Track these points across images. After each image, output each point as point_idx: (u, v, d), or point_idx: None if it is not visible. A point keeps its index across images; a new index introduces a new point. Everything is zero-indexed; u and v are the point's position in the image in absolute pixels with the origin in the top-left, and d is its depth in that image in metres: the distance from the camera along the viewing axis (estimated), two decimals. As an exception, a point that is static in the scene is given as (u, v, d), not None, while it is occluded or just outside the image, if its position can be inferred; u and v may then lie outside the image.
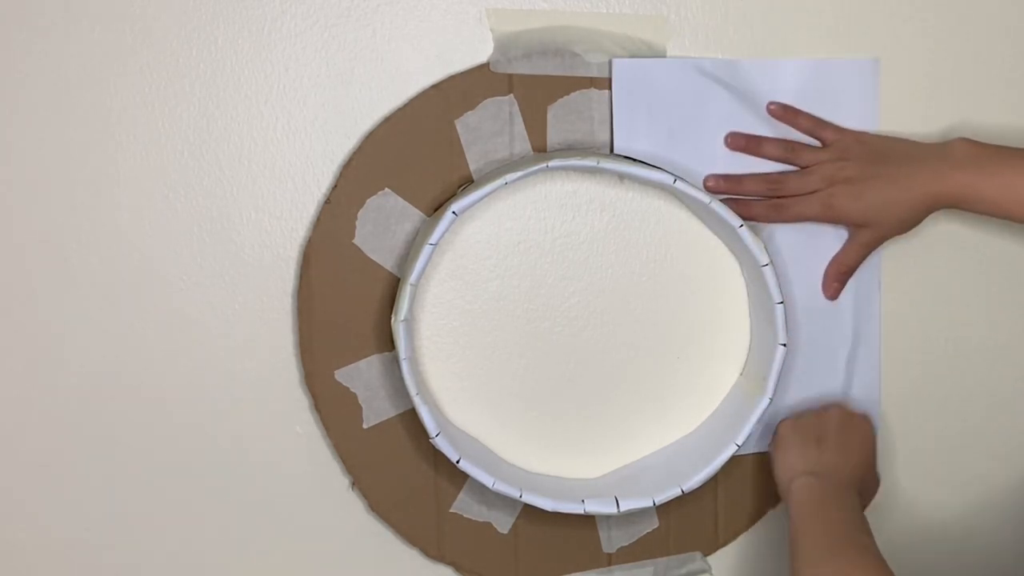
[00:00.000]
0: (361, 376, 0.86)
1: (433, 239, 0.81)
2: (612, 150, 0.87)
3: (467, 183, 0.85)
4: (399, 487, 0.88)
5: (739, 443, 0.87)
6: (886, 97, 0.91)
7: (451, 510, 0.89)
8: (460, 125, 0.85)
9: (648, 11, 0.87)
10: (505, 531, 0.90)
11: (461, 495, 0.89)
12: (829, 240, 0.91)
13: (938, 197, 0.85)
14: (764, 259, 0.85)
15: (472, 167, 0.86)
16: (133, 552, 0.86)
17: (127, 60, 0.82)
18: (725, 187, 0.88)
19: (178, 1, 0.82)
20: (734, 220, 0.85)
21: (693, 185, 0.85)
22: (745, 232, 0.85)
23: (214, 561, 0.88)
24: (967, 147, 0.85)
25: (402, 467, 0.87)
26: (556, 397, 0.91)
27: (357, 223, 0.85)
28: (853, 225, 0.89)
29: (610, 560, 0.92)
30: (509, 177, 0.82)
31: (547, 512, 0.86)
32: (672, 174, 0.84)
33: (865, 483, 0.88)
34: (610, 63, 0.86)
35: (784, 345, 0.86)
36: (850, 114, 0.90)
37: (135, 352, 0.84)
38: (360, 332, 0.86)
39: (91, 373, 0.84)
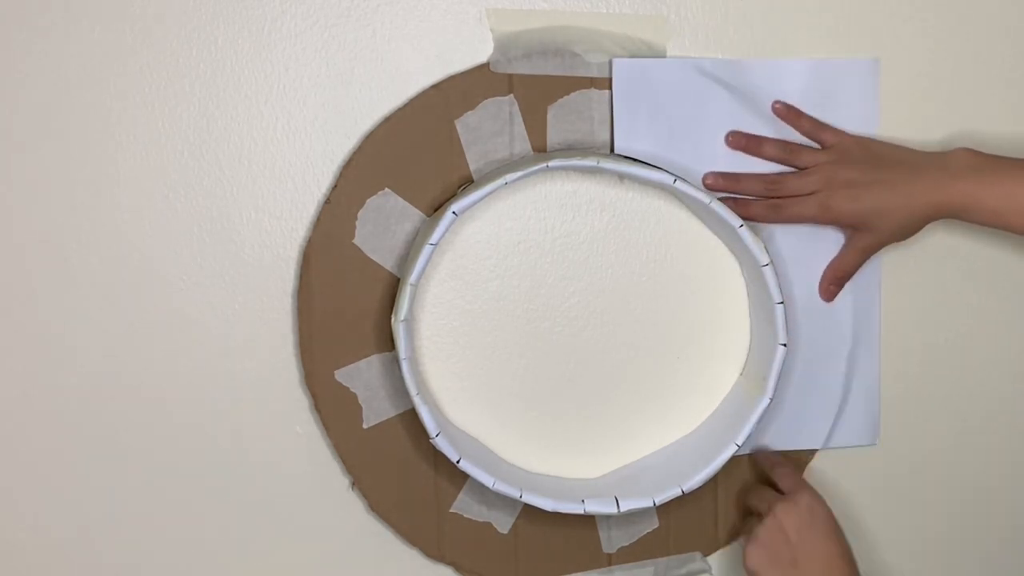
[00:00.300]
0: (361, 376, 0.86)
1: (433, 239, 0.81)
2: (612, 150, 0.87)
3: (467, 183, 0.85)
4: (399, 487, 0.88)
5: (739, 443, 0.87)
6: (885, 97, 0.91)
7: (451, 510, 0.89)
8: (460, 125, 0.85)
9: (648, 11, 0.87)
10: (505, 531, 0.90)
11: (461, 495, 0.89)
12: (829, 241, 0.91)
13: (938, 207, 0.84)
14: (764, 259, 0.85)
15: (472, 167, 0.86)
16: (133, 552, 0.86)
17: (127, 60, 0.82)
18: (724, 185, 0.88)
19: (178, 1, 0.82)
20: (734, 220, 0.85)
21: (693, 185, 0.85)
22: (745, 232, 0.85)
23: (214, 561, 0.88)
24: (968, 157, 0.85)
25: (402, 467, 0.87)
26: (556, 397, 0.91)
27: (357, 223, 0.85)
28: (850, 228, 0.89)
29: (610, 560, 0.92)
30: (509, 177, 0.82)
31: (547, 512, 0.85)
32: (672, 174, 0.84)
33: (845, 556, 0.87)
34: (610, 63, 0.86)
35: (784, 345, 0.86)
36: (850, 114, 0.90)
37: (135, 352, 0.84)
38: (360, 332, 0.86)
39: (91, 373, 0.84)
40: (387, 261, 0.85)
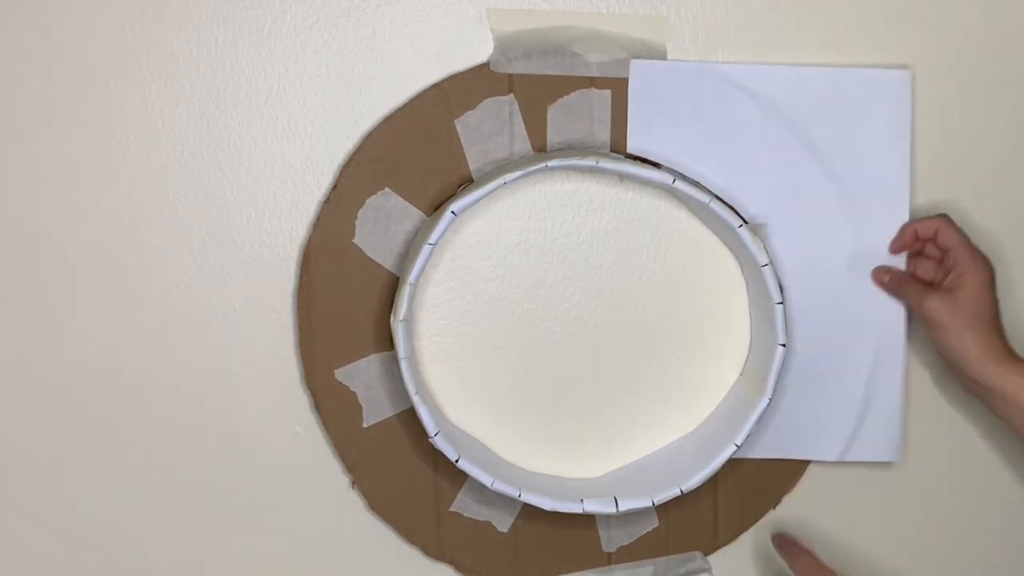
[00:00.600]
0: (361, 375, 0.86)
1: (433, 239, 0.81)
2: (612, 149, 0.87)
3: (467, 183, 0.86)
4: (399, 486, 0.88)
5: (739, 443, 0.87)
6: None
7: (451, 509, 0.89)
8: (460, 125, 0.85)
9: (648, 11, 0.87)
10: (505, 530, 0.90)
11: (461, 494, 0.89)
12: (829, 241, 0.90)
13: (977, 382, 0.84)
14: (764, 259, 0.85)
15: (472, 167, 0.86)
16: (133, 552, 0.87)
17: (127, 60, 0.82)
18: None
19: (178, 1, 0.82)
20: (734, 220, 0.85)
21: (693, 185, 0.85)
22: (745, 232, 0.85)
23: (214, 561, 0.88)
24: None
25: (402, 466, 0.88)
26: (556, 397, 0.91)
27: (357, 223, 0.85)
28: (927, 326, 0.87)
29: (610, 559, 0.92)
30: (509, 177, 0.82)
31: (547, 511, 0.86)
32: (672, 174, 0.84)
33: None
34: (628, 64, 0.86)
35: (784, 345, 0.86)
36: (880, 126, 0.89)
37: (135, 352, 0.84)
38: (360, 331, 0.86)
39: (91, 373, 0.84)
40: (387, 261, 0.86)
